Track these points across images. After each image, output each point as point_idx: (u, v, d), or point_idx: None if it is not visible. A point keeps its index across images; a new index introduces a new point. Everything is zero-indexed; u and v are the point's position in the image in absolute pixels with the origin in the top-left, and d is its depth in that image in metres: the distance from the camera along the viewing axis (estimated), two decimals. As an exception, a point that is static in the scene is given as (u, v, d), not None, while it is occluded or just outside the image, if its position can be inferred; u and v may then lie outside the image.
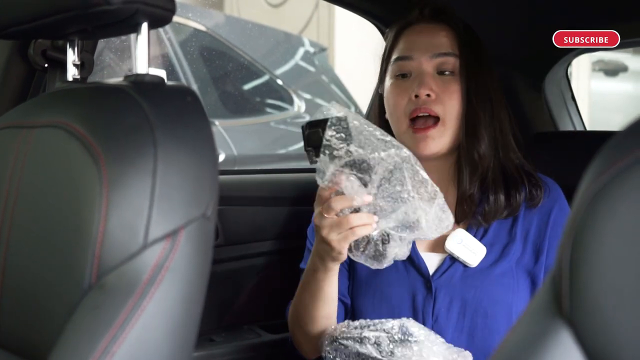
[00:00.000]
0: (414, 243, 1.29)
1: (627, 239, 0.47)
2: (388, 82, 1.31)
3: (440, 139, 1.25)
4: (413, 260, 1.25)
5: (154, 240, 0.71)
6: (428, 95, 1.24)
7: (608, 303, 0.47)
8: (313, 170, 1.09)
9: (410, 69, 1.28)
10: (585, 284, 0.48)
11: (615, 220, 0.48)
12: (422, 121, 1.25)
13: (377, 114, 1.37)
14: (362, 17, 1.84)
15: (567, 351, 0.50)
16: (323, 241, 1.10)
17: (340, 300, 1.30)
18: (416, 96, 1.24)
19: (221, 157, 3.26)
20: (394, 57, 1.31)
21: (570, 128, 1.97)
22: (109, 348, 0.68)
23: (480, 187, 1.27)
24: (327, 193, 1.09)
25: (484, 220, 1.25)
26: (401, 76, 1.29)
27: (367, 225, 1.07)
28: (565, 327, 0.50)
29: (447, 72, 1.26)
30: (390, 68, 1.31)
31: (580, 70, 5.88)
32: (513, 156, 1.30)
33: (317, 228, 1.11)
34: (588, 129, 2.09)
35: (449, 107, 1.25)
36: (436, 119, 1.24)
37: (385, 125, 1.33)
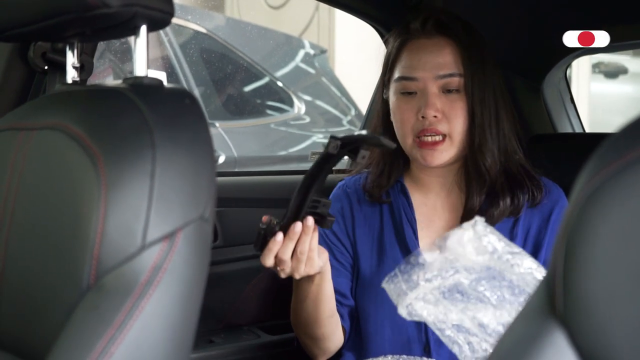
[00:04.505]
0: (417, 244, 1.30)
1: (620, 240, 0.47)
2: (393, 96, 1.31)
3: (447, 152, 1.27)
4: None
5: (152, 241, 0.71)
6: (435, 115, 1.25)
7: (601, 304, 0.48)
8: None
9: (415, 89, 1.28)
10: (579, 284, 0.49)
11: (608, 221, 0.48)
12: (429, 138, 1.26)
13: (382, 117, 1.37)
14: (362, 20, 1.84)
15: (560, 351, 0.50)
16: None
17: (345, 303, 1.31)
18: (423, 116, 1.25)
19: (221, 159, 3.25)
20: (397, 74, 1.30)
21: (568, 130, 1.97)
22: (107, 349, 0.68)
23: (486, 194, 1.28)
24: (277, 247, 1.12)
25: (490, 223, 1.26)
26: (407, 93, 1.29)
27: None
28: (558, 328, 0.51)
29: (452, 90, 1.27)
30: (394, 84, 1.31)
31: (581, 72, 5.89)
32: (516, 158, 1.30)
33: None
34: (588, 130, 2.09)
35: (455, 124, 1.26)
36: (443, 135, 1.26)
37: (389, 129, 1.34)
